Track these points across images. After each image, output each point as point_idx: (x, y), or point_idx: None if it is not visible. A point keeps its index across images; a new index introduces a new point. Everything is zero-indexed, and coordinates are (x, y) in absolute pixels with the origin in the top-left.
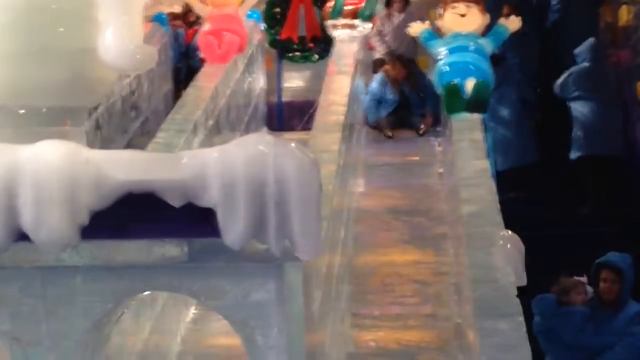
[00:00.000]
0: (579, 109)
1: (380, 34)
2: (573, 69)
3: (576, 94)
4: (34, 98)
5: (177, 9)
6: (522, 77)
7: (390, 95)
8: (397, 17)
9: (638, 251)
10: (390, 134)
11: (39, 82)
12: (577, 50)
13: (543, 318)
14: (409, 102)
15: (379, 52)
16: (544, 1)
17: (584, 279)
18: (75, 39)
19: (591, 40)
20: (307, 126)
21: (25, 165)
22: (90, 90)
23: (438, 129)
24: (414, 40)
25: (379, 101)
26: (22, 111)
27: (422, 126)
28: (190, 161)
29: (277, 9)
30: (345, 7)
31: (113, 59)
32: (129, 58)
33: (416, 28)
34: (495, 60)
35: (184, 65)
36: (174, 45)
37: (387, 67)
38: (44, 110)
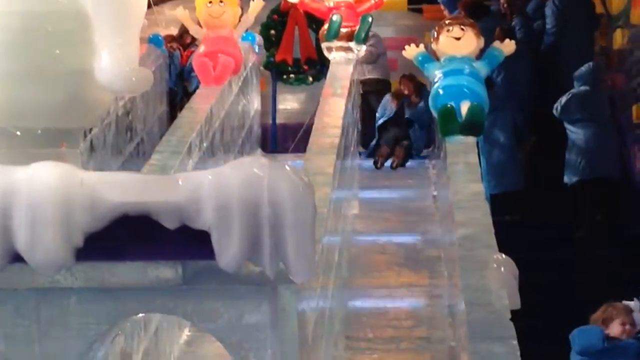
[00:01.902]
0: (578, 132)
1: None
2: (573, 91)
3: (577, 116)
4: (29, 119)
5: (174, 31)
6: (513, 102)
7: (388, 109)
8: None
9: (634, 275)
10: (379, 164)
11: (34, 103)
12: (576, 74)
13: (587, 354)
14: (402, 119)
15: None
16: (539, 25)
17: (635, 304)
18: (70, 60)
19: (590, 64)
20: (296, 148)
21: (20, 187)
22: (86, 112)
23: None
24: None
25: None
26: (17, 132)
27: (394, 160)
28: (185, 183)
29: (272, 31)
30: (341, 30)
31: (108, 81)
32: (125, 80)
33: (411, 51)
34: (490, 83)
35: (180, 87)
36: (172, 67)
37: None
38: (40, 131)
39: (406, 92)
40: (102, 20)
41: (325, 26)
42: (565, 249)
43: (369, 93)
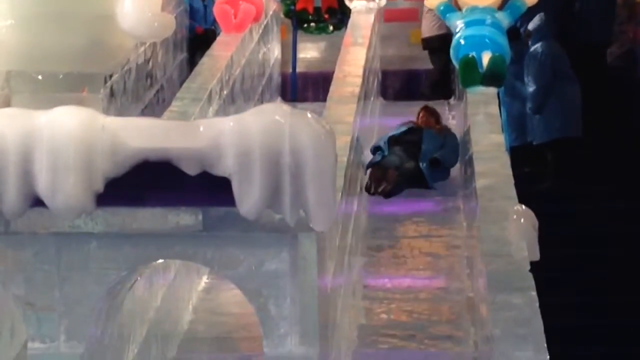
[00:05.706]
0: None
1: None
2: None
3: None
4: (51, 64)
5: None
6: None
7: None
8: None
9: None
10: (372, 190)
11: (56, 48)
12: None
13: None
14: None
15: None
16: None
17: None
18: (93, 5)
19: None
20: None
21: (42, 131)
22: (107, 57)
23: None
24: None
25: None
26: (39, 77)
27: (384, 184)
28: (206, 130)
29: None
30: None
31: (131, 26)
32: (147, 26)
33: (432, 0)
34: (512, 34)
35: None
36: (207, 8)
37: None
38: (61, 76)
39: (424, 124)
40: None
41: None
42: (586, 201)
43: (436, 50)
